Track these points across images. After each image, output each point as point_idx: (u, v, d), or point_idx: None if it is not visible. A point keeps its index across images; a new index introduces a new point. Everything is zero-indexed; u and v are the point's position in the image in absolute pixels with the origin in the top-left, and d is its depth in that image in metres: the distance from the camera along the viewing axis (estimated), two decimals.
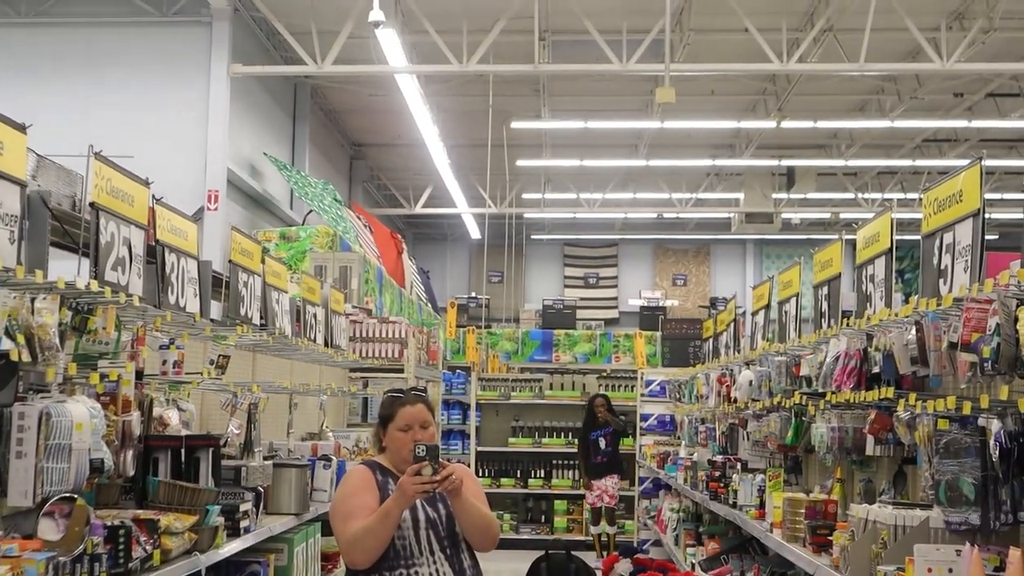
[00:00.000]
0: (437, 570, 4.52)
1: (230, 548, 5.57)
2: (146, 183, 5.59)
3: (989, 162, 4.73)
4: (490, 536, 4.68)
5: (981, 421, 4.04)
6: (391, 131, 20.85)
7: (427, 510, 4.60)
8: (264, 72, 15.77)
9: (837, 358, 5.99)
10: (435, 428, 4.83)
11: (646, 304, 27.13)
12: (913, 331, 4.86)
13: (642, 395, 16.43)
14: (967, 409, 4.15)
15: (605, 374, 17.17)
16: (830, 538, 5.38)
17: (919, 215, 5.29)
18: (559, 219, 27.92)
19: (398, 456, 4.65)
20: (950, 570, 3.85)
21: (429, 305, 20.12)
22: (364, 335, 11.08)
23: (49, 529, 4.16)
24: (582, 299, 28.40)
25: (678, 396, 14.10)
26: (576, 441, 16.30)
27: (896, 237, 5.92)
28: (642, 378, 16.54)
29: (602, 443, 14.87)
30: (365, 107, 19.84)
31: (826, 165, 22.19)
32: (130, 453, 4.96)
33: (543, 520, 16.41)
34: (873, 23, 13.80)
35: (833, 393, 6.00)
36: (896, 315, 5.23)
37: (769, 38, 14.48)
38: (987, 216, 4.64)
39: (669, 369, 16.47)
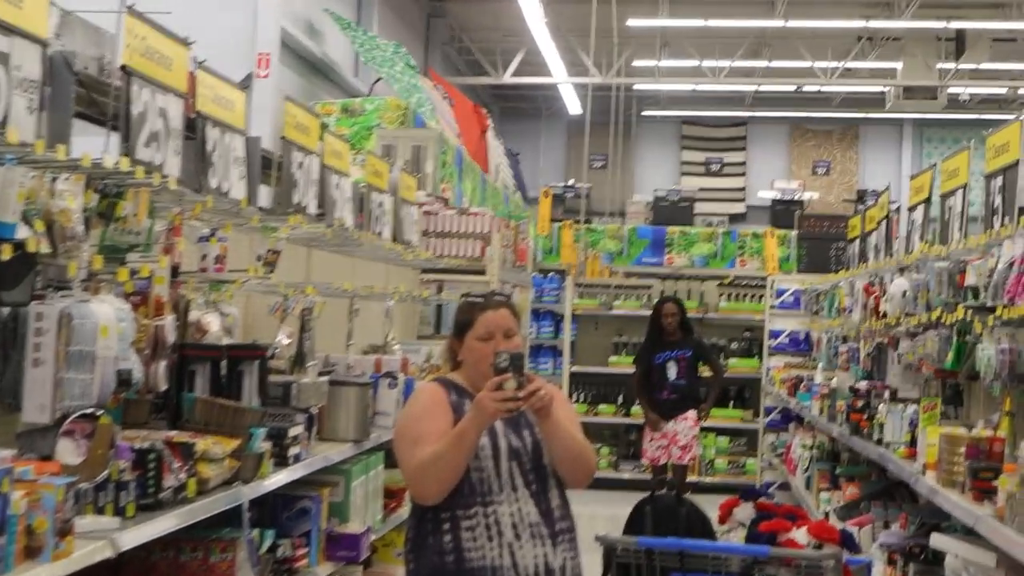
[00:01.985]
0: (519, 509, 4.54)
1: (277, 479, 5.65)
2: (186, 43, 5.63)
3: None
4: (585, 469, 4.70)
5: None
6: None
7: (510, 436, 4.62)
8: None
9: (1011, 264, 5.93)
10: (520, 339, 4.82)
11: (780, 197, 26.94)
12: None
13: (772, 307, 16.43)
14: None
15: (728, 281, 17.11)
16: (995, 483, 5.35)
17: None
18: (676, 92, 27.72)
19: (476, 371, 4.65)
20: None
21: (518, 195, 20.14)
22: (440, 229, 11.12)
23: (69, 451, 4.26)
24: (702, 190, 28.27)
25: (816, 309, 14.09)
26: None
27: None
28: (773, 286, 16.51)
29: (671, 371, 12.95)
30: None
31: (1004, 29, 21.71)
32: (163, 364, 5.04)
33: None
34: None
35: (1005, 307, 5.95)
36: None
37: None
38: None
39: (806, 276, 16.41)
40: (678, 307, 13.31)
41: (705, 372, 13.44)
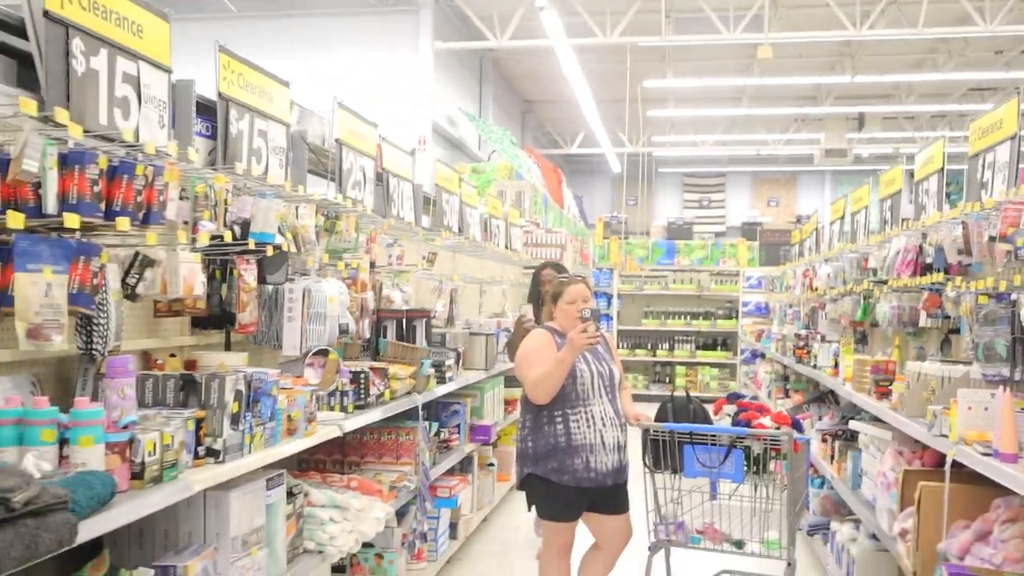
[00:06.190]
0: (604, 410, 4.52)
1: (439, 391, 5.71)
2: (374, 125, 5.67)
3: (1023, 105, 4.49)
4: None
5: (1013, 296, 3.87)
6: (553, 91, 20.65)
7: (598, 365, 4.59)
8: (458, 47, 15.74)
9: (898, 252, 5.81)
10: (593, 301, 4.82)
11: (747, 220, 26.52)
12: (960, 229, 4.67)
13: (744, 288, 16.23)
14: (1003, 287, 3.99)
15: (715, 272, 16.91)
16: (890, 388, 5.24)
17: (964, 149, 5.05)
18: (680, 156, 27.41)
19: (567, 323, 4.62)
20: (986, 408, 3.71)
21: (582, 222, 19.99)
22: (534, 241, 11.13)
23: (311, 373, 4.32)
24: (697, 217, 27.89)
25: (772, 288, 13.85)
26: (695, 321, 16.08)
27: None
28: (743, 275, 16.32)
29: None
30: (534, 73, 19.68)
31: (890, 111, 21.29)
32: (367, 321, 5.11)
33: (668, 381, 16.35)
34: None
35: (894, 279, 5.83)
36: (946, 218, 5.04)
37: (845, 10, 13.88)
38: (1021, 148, 4.41)
39: (765, 268, 16.20)
40: (559, 273, 6.15)
41: None
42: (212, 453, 3.13)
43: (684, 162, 28.53)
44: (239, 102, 4.06)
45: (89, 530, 2.38)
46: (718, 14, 14.12)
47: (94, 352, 3.03)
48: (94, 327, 3.01)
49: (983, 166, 4.75)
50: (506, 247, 9.42)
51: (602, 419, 4.51)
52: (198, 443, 3.09)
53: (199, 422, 3.09)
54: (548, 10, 12.35)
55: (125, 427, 2.73)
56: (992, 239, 4.14)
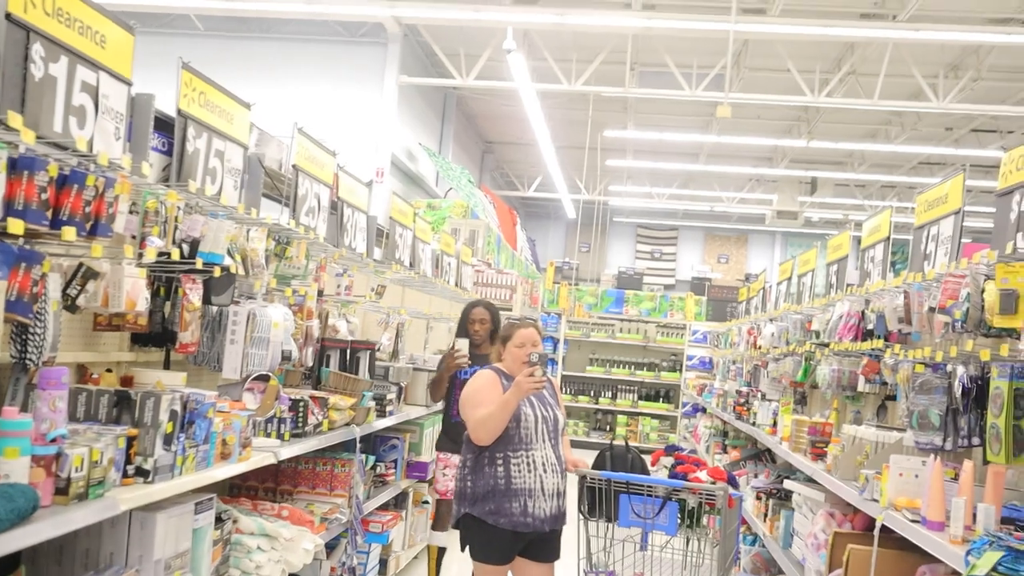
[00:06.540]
0: (546, 455, 4.49)
1: (378, 424, 5.66)
2: (333, 153, 5.66)
3: (968, 182, 4.60)
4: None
5: (949, 367, 3.95)
6: (514, 133, 20.82)
7: (542, 410, 4.57)
8: (423, 83, 15.81)
9: (841, 317, 5.89)
10: (542, 346, 4.79)
11: (697, 275, 26.78)
12: (901, 298, 4.76)
13: (689, 341, 16.33)
14: (939, 357, 4.06)
15: (662, 324, 17.03)
16: (826, 450, 5.30)
17: (911, 220, 5.16)
18: (635, 207, 27.68)
19: (514, 366, 4.60)
20: (916, 475, 3.77)
21: (533, 265, 20.07)
22: (484, 281, 11.13)
23: (250, 399, 4.26)
24: (648, 268, 28.12)
25: (716, 343, 13.96)
26: (642, 373, 16.12)
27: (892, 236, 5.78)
28: (689, 328, 16.43)
29: None
30: (496, 114, 19.84)
31: (842, 177, 21.72)
32: (311, 349, 5.05)
33: (608, 429, 16.38)
34: (886, 70, 13.45)
35: (836, 343, 5.91)
36: (889, 286, 5.13)
37: (805, 77, 14.18)
38: (963, 224, 4.52)
39: (711, 323, 16.34)
40: (491, 313, 6.65)
41: None
42: (142, 472, 3.07)
43: (639, 213, 28.81)
44: (198, 120, 4.04)
45: (6, 545, 2.31)
46: (681, 71, 14.35)
47: (28, 361, 2.96)
48: (30, 336, 2.95)
49: (927, 238, 4.85)
50: (456, 285, 9.41)
51: (543, 464, 4.47)
52: (128, 461, 3.03)
53: (131, 440, 3.04)
54: (515, 53, 12.47)
55: (53, 440, 2.67)
56: (932, 310, 4.22)
